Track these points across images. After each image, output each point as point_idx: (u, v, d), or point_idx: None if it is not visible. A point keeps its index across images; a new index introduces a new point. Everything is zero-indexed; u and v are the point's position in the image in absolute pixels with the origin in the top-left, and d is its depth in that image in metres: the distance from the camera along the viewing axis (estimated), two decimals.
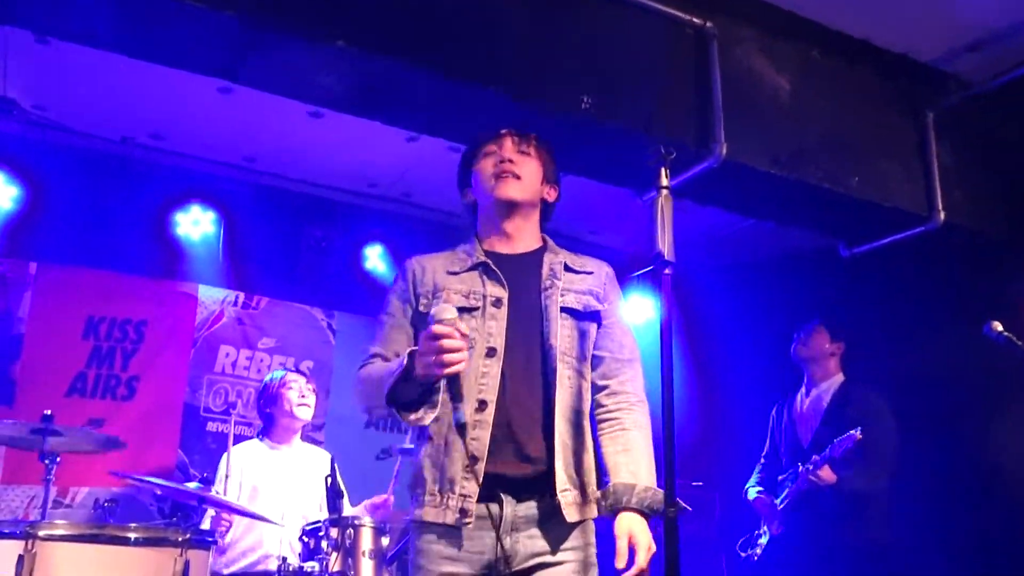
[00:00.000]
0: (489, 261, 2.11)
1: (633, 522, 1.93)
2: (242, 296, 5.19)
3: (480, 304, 2.05)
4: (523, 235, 2.18)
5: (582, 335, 2.09)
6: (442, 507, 1.97)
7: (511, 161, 2.13)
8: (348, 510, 3.69)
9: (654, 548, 1.92)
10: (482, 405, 1.98)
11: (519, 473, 1.98)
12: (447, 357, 1.78)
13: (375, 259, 5.47)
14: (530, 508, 1.98)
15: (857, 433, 3.73)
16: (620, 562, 1.89)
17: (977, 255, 4.42)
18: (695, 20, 3.57)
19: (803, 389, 4.27)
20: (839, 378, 4.15)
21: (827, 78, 3.91)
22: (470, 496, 1.94)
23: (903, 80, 4.07)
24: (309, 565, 3.20)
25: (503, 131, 2.21)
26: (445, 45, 3.06)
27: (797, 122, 3.76)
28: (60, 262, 4.71)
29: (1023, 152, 4.30)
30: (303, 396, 3.94)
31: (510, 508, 1.96)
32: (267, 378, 4.13)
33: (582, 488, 2.02)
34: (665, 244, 1.84)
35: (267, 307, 5.26)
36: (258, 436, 4.06)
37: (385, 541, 3.40)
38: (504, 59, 3.19)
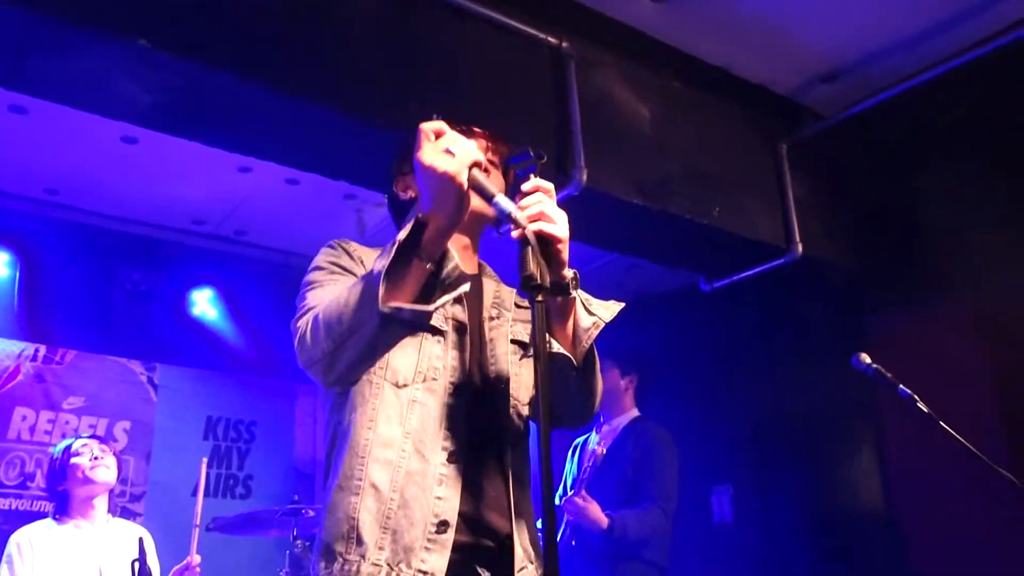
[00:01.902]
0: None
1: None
2: (43, 349, 4.52)
3: (445, 327, 1.62)
4: (468, 254, 1.75)
5: (529, 370, 1.68)
6: None
7: (485, 171, 1.57)
8: None
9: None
10: (451, 457, 1.53)
11: (483, 544, 1.53)
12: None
13: (204, 304, 4.97)
14: None
15: (599, 448, 3.61)
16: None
17: (834, 287, 4.41)
18: (551, 40, 3.35)
19: (595, 427, 4.04)
20: (632, 414, 3.94)
21: (688, 107, 3.79)
22: (432, 575, 1.45)
23: (761, 110, 4.02)
24: None
25: (475, 127, 1.73)
26: (276, 54, 2.67)
27: (659, 151, 3.60)
28: None
29: (873, 183, 4.34)
30: (96, 458, 3.36)
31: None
32: (52, 451, 3.52)
33: (536, 561, 1.59)
34: (538, 267, 1.49)
35: (74, 361, 4.60)
36: (54, 517, 3.40)
37: None
38: (345, 74, 2.83)
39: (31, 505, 4.31)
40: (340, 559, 1.47)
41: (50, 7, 2.28)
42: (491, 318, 1.71)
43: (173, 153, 3.96)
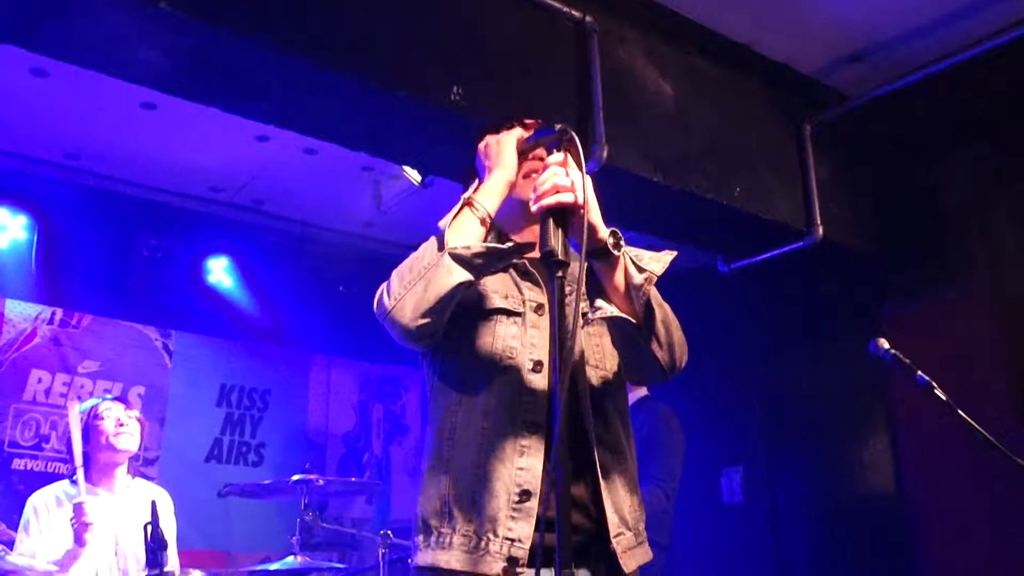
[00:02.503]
0: (523, 263, 1.77)
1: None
2: (59, 313, 4.54)
3: (522, 309, 1.71)
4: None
5: (608, 340, 1.76)
6: (479, 553, 1.55)
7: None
8: (173, 562, 3.13)
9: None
10: (532, 428, 1.61)
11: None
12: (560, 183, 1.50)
13: (220, 272, 4.97)
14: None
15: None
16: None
17: (852, 270, 4.36)
18: (574, 13, 3.30)
19: None
20: (639, 393, 3.87)
21: (710, 83, 3.73)
22: (519, 542, 1.54)
23: (784, 90, 3.95)
24: None
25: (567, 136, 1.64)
26: (294, 19, 2.63)
27: (680, 128, 3.55)
28: None
29: (895, 167, 4.27)
30: (121, 424, 3.32)
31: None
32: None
33: (635, 529, 1.69)
34: (559, 242, 1.49)
35: (90, 325, 4.62)
36: (70, 480, 3.38)
37: None
38: (364, 41, 2.80)
39: (46, 466, 4.35)
40: (435, 532, 1.62)
41: None
42: (567, 295, 1.71)
43: (192, 120, 3.95)
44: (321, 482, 3.62)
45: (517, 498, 1.56)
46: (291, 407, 5.18)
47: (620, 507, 1.65)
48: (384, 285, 1.66)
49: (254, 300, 5.06)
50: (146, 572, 2.78)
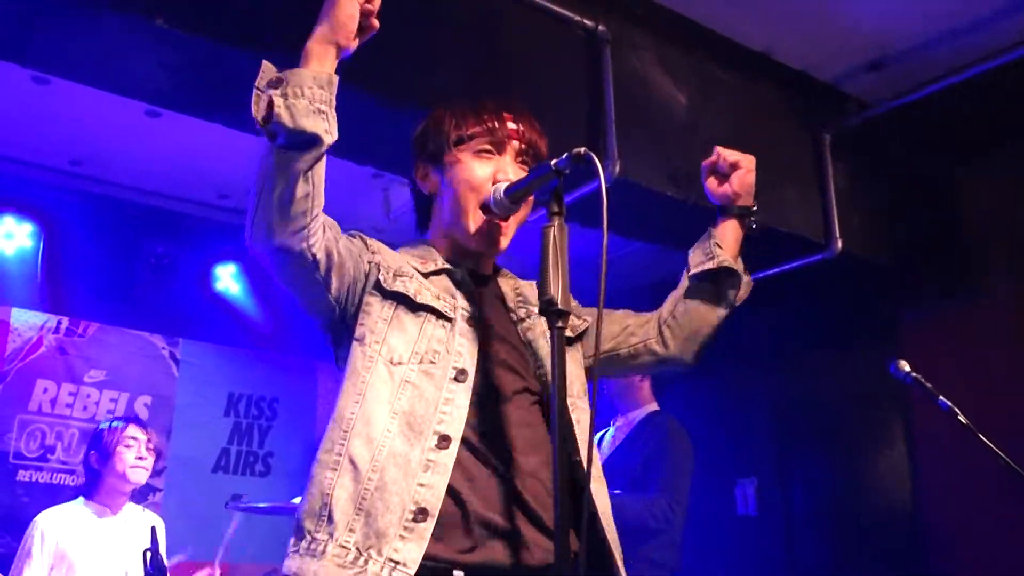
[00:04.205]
0: (456, 272, 1.62)
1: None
2: (65, 321, 4.49)
3: (453, 315, 1.54)
4: (483, 259, 1.71)
5: (577, 361, 1.68)
6: (353, 570, 1.32)
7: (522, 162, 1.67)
8: None
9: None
10: (444, 441, 1.41)
11: (476, 536, 1.40)
12: None
13: (227, 279, 4.92)
14: None
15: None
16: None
17: (870, 281, 4.27)
18: (587, 22, 3.21)
19: (611, 421, 3.90)
20: (649, 408, 3.75)
21: (725, 93, 3.63)
22: (403, 566, 1.32)
23: (802, 98, 3.85)
24: None
25: (508, 122, 1.65)
26: (293, 32, 2.55)
27: (694, 139, 3.45)
28: None
29: (916, 176, 4.17)
30: (141, 458, 3.31)
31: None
32: (103, 425, 3.43)
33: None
34: (559, 290, 1.37)
35: (96, 334, 4.58)
36: (81, 496, 3.35)
37: None
38: (371, 53, 2.71)
39: (51, 478, 4.32)
40: (308, 536, 1.38)
41: None
42: (522, 319, 1.65)
43: (197, 127, 3.86)
44: None
45: (412, 516, 1.34)
46: (300, 415, 5.12)
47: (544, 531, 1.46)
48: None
49: (262, 307, 5.01)
50: None
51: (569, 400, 1.52)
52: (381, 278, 1.54)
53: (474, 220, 1.61)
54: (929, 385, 2.98)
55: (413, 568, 1.32)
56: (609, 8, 3.30)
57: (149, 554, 2.69)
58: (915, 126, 3.96)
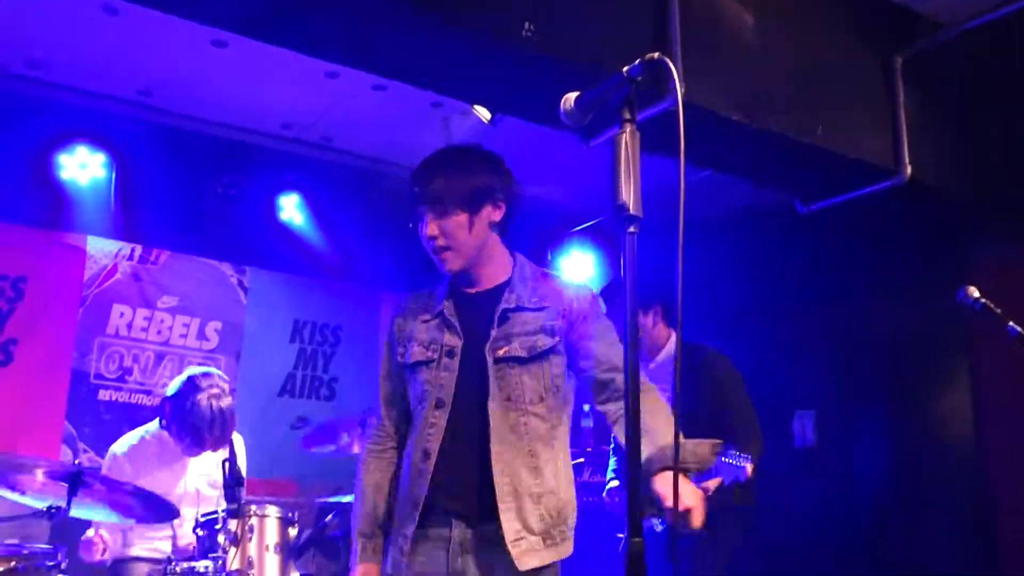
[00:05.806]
0: (447, 309, 2.10)
1: (662, 481, 1.84)
2: (139, 249, 4.64)
3: (436, 356, 2.07)
4: (487, 272, 2.13)
5: (536, 376, 2.03)
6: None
7: (434, 238, 2.06)
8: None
9: (698, 493, 1.82)
10: (425, 455, 2.02)
11: (453, 521, 2.04)
12: None
13: (291, 209, 5.00)
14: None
15: (748, 466, 3.03)
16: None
17: (939, 214, 4.17)
18: None
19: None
20: (670, 345, 3.55)
21: (792, 15, 3.54)
22: (407, 536, 2.02)
23: (873, 20, 3.73)
24: (203, 565, 2.76)
25: (420, 205, 2.11)
26: None
27: (760, 63, 3.39)
28: None
29: (992, 104, 4.02)
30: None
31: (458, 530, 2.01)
32: (176, 386, 3.34)
33: (545, 532, 1.98)
34: (631, 195, 1.41)
35: (168, 261, 4.72)
36: (161, 424, 3.41)
37: (292, 532, 2.99)
38: None
39: (129, 397, 4.52)
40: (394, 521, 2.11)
41: None
42: (492, 339, 2.03)
43: (262, 57, 3.91)
44: None
45: (411, 508, 2.03)
46: (362, 343, 5.24)
47: (524, 515, 1.96)
48: (354, 488, 2.21)
49: (325, 237, 5.09)
50: (224, 506, 2.87)
51: (520, 407, 2.00)
52: (398, 358, 2.15)
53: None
54: (999, 311, 2.94)
55: (409, 538, 2.03)
56: None
57: (227, 464, 2.81)
58: (994, 49, 3.80)
